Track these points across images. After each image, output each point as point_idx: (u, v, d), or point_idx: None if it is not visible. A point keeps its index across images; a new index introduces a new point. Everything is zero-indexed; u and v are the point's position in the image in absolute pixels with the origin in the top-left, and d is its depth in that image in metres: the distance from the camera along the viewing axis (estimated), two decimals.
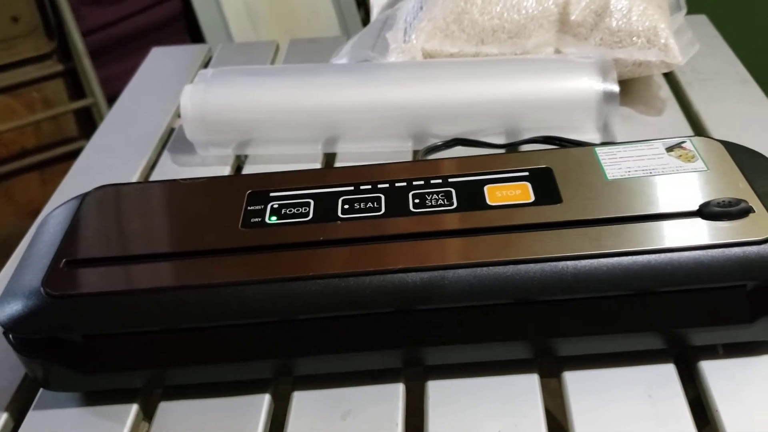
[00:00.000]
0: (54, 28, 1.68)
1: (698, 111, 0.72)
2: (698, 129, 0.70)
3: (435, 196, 0.50)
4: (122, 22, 1.79)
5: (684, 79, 0.77)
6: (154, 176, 0.71)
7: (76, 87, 1.74)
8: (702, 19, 0.88)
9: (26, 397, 0.50)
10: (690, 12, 0.78)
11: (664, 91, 0.76)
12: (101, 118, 1.74)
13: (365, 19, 1.85)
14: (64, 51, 1.71)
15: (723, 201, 0.46)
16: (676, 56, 0.69)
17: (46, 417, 0.49)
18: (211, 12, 1.81)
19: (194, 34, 1.86)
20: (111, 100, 1.73)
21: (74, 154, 0.72)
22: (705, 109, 0.72)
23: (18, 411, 0.50)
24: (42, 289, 0.46)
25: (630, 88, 0.74)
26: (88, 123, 1.77)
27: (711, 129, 0.69)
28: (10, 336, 0.47)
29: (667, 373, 0.47)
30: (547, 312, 0.46)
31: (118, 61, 1.76)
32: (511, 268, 0.45)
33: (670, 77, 0.78)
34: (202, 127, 0.68)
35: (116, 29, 1.78)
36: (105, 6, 1.76)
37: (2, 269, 0.61)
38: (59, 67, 1.72)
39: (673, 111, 0.72)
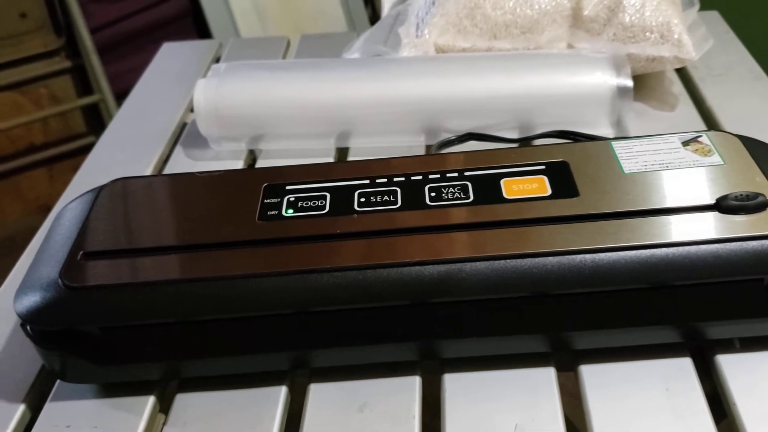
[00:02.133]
0: (62, 24, 1.69)
1: (711, 106, 0.72)
2: (711, 124, 0.70)
3: (451, 189, 0.50)
4: (130, 19, 1.79)
5: (697, 75, 0.77)
6: (167, 171, 0.71)
7: (83, 83, 1.75)
8: (714, 15, 0.88)
9: (43, 388, 0.51)
10: (702, 8, 0.78)
11: (677, 86, 0.76)
12: (109, 115, 1.74)
13: (372, 16, 1.85)
14: (72, 47, 1.72)
15: (740, 195, 0.46)
16: (690, 51, 0.68)
17: (63, 408, 0.49)
18: (219, 8, 1.81)
19: (202, 31, 1.86)
20: (119, 96, 1.74)
21: (82, 150, 0.73)
22: (718, 105, 0.72)
23: (35, 402, 0.50)
24: (59, 280, 0.46)
25: (642, 84, 0.74)
26: (95, 119, 1.77)
27: (724, 124, 0.69)
28: (28, 327, 0.47)
29: (684, 367, 0.47)
30: (564, 305, 0.46)
31: (126, 57, 1.77)
32: (528, 261, 0.45)
33: (682, 73, 0.78)
34: (216, 122, 0.68)
35: (124, 26, 1.79)
36: (113, 2, 1.77)
37: (11, 263, 0.61)
38: (67, 64, 1.72)
39: (686, 106, 0.72)
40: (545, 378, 0.47)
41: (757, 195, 0.46)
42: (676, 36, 0.69)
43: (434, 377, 0.48)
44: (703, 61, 0.76)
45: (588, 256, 0.44)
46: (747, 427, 0.43)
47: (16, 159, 1.71)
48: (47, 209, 0.65)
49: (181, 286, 0.46)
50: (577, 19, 0.71)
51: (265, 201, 0.51)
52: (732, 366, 0.47)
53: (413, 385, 0.48)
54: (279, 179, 0.53)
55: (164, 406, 0.49)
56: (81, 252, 0.48)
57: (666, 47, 0.69)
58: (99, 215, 0.52)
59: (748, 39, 0.82)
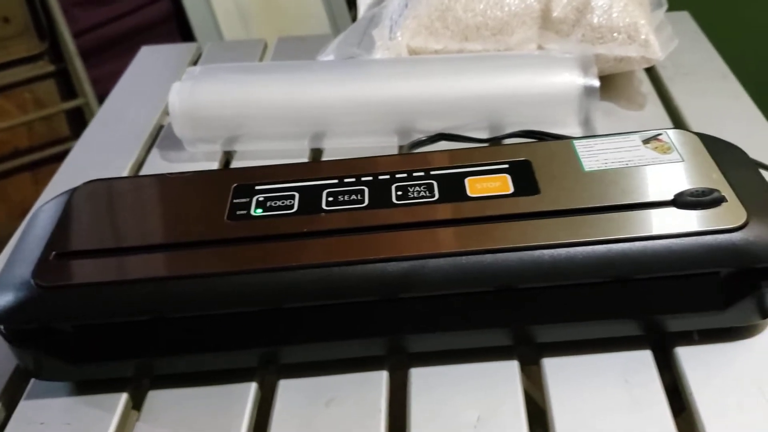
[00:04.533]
0: (45, 28, 1.69)
1: (678, 105, 0.73)
2: (678, 123, 0.71)
3: (417, 188, 0.51)
4: (113, 23, 1.80)
5: (665, 74, 0.78)
6: (143, 173, 0.72)
7: (67, 87, 1.75)
8: (684, 16, 0.89)
9: (18, 387, 0.51)
10: (673, 9, 0.79)
11: (646, 85, 0.77)
12: (93, 118, 1.74)
13: (356, 18, 1.86)
14: (55, 51, 1.72)
15: (696, 191, 0.48)
16: (656, 51, 0.70)
17: (38, 406, 0.50)
18: (202, 12, 1.81)
19: (185, 35, 1.87)
20: (102, 100, 1.73)
21: (66, 154, 0.74)
22: (685, 103, 0.73)
23: (9, 401, 0.51)
24: (32, 280, 0.47)
25: (612, 83, 0.75)
26: (79, 123, 1.77)
27: (691, 122, 0.70)
28: (1, 327, 0.48)
29: (643, 359, 0.48)
30: (525, 299, 0.47)
31: (110, 61, 1.77)
32: (489, 256, 0.46)
33: (651, 72, 0.79)
34: (190, 124, 0.69)
35: (107, 30, 1.79)
36: (96, 7, 1.77)
37: None
38: (51, 68, 1.72)
39: (654, 105, 0.74)
40: (509, 371, 0.48)
41: (712, 191, 0.47)
42: (642, 36, 0.70)
43: (401, 372, 0.50)
44: (672, 60, 0.77)
45: (546, 251, 0.45)
46: (703, 416, 0.44)
47: (0, 163, 1.71)
48: None
49: (152, 284, 0.47)
50: (546, 21, 0.72)
51: (235, 201, 0.52)
52: (690, 358, 0.48)
53: (380, 379, 0.49)
54: (248, 179, 0.53)
55: (137, 403, 0.50)
56: (53, 252, 0.49)
57: (633, 47, 0.70)
58: (72, 216, 0.52)
59: (717, 39, 0.84)
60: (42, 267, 0.48)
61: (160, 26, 1.85)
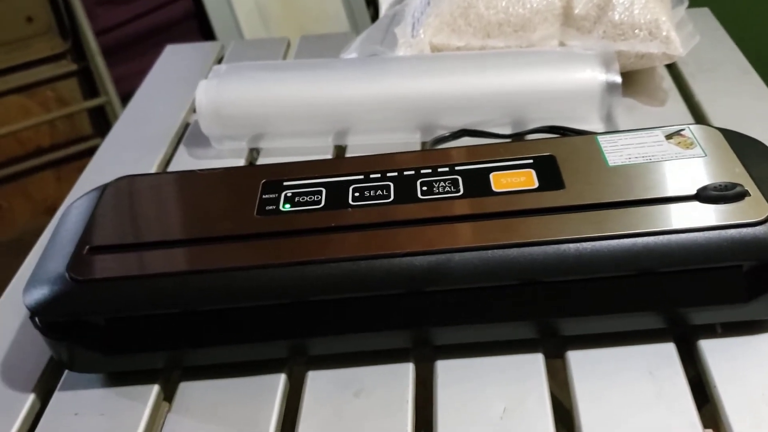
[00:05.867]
0: (68, 28, 1.71)
1: (700, 101, 0.73)
2: (700, 119, 0.71)
3: (442, 183, 0.52)
4: (135, 22, 1.81)
5: (686, 71, 0.78)
6: (171, 170, 0.73)
7: (89, 86, 1.77)
8: (705, 12, 0.89)
9: (52, 378, 0.53)
10: (693, 5, 0.80)
11: (667, 82, 0.77)
12: (115, 117, 1.76)
13: (374, 17, 1.87)
14: (78, 50, 1.74)
15: (720, 185, 0.48)
16: (677, 48, 0.70)
17: (71, 397, 0.51)
18: (223, 11, 1.83)
19: (206, 33, 1.88)
20: (124, 98, 1.76)
21: (88, 152, 0.75)
22: (707, 100, 0.73)
23: (44, 392, 0.52)
24: (66, 274, 0.48)
25: (633, 80, 0.76)
26: (101, 121, 1.79)
27: (712, 118, 0.70)
28: (37, 319, 0.49)
29: (667, 352, 0.49)
30: (550, 293, 0.47)
31: (131, 59, 1.79)
32: (515, 250, 0.46)
33: (672, 68, 0.80)
34: (217, 121, 0.70)
35: (129, 28, 1.81)
36: (118, 5, 1.79)
37: (20, 263, 0.63)
38: (73, 67, 1.74)
39: (675, 101, 0.74)
40: (534, 364, 0.49)
41: (735, 185, 0.48)
42: (664, 33, 0.70)
43: (427, 364, 0.50)
44: (693, 56, 0.77)
45: (572, 245, 0.46)
46: (726, 408, 0.45)
47: (24, 161, 1.73)
48: (55, 210, 0.67)
49: (183, 278, 0.48)
50: (568, 18, 0.73)
51: (264, 196, 0.52)
52: (714, 350, 0.48)
53: (407, 371, 0.50)
54: (277, 176, 0.54)
55: (168, 394, 0.51)
56: (87, 246, 0.50)
57: (654, 44, 0.70)
58: (104, 211, 0.53)
59: (738, 35, 0.84)
60: (76, 261, 0.49)
61: (180, 25, 1.87)
